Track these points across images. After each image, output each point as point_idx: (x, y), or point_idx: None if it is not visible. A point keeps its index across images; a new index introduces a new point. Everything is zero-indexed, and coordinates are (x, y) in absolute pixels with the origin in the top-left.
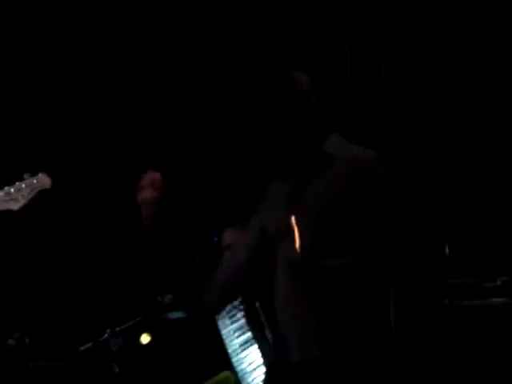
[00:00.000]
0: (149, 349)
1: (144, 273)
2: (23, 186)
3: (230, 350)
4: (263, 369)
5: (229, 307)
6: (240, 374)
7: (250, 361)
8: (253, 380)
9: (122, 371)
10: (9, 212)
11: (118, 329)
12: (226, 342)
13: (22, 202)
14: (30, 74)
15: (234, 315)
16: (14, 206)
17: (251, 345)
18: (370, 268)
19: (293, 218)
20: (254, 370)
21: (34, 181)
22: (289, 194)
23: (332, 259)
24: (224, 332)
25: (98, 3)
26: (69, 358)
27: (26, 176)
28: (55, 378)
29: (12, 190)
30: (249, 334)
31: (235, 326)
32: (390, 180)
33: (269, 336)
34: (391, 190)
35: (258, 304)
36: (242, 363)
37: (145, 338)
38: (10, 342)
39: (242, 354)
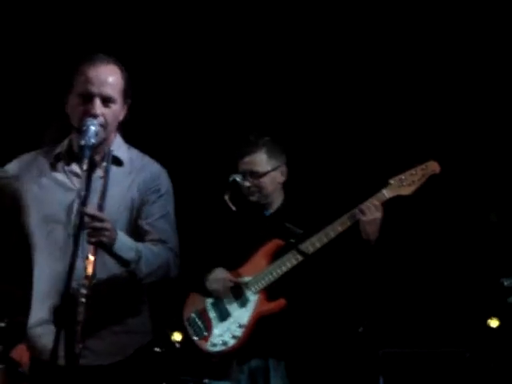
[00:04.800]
0: (497, 333)
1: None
2: (415, 172)
3: None
4: None
5: None
6: None
7: None
8: None
9: (473, 356)
10: None
11: None
12: None
13: (414, 186)
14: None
15: None
16: (407, 191)
17: None
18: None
19: None
20: None
21: (424, 167)
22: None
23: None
24: None
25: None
26: (420, 344)
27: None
28: (407, 364)
29: (404, 176)
30: None
31: None
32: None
33: None
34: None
35: None
36: None
37: (493, 322)
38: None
39: None
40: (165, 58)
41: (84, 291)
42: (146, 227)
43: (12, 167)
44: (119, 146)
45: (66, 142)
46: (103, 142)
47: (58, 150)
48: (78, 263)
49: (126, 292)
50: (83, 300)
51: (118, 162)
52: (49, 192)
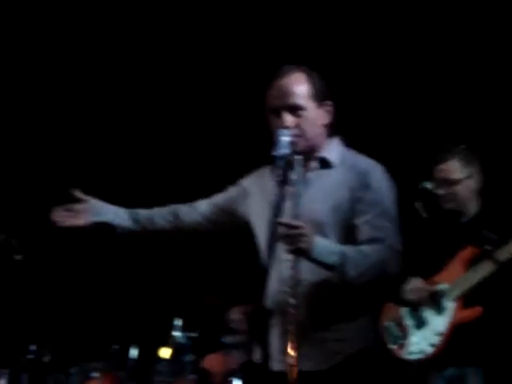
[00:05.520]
0: None
1: None
2: None
3: None
4: None
5: None
6: None
7: None
8: None
9: None
10: None
11: None
12: None
13: None
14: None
15: None
16: None
17: None
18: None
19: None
20: None
21: None
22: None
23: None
24: None
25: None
26: None
27: None
28: None
29: None
30: None
31: None
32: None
33: None
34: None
35: None
36: None
37: None
38: None
39: None
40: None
41: (292, 301)
42: (362, 226)
43: (244, 182)
44: (331, 149)
45: None
46: (312, 149)
47: None
48: (284, 269)
49: (337, 297)
50: (291, 310)
51: (328, 164)
52: (265, 200)
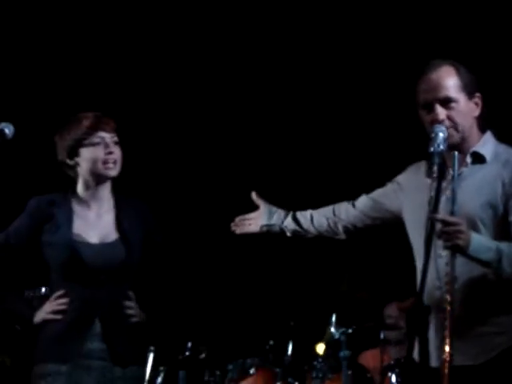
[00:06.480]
0: None
1: None
2: None
3: None
4: None
5: None
6: None
7: None
8: None
9: None
10: None
11: None
12: None
13: None
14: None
15: None
16: None
17: None
18: None
19: None
20: None
21: None
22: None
23: None
24: None
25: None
26: None
27: None
28: None
29: None
30: None
31: None
32: None
33: None
34: None
35: None
36: None
37: None
38: None
39: None
40: None
41: (448, 297)
42: None
43: (399, 178)
44: (484, 144)
45: None
46: (464, 142)
47: None
48: (440, 266)
49: (493, 291)
50: (447, 307)
51: (481, 159)
52: (419, 196)
